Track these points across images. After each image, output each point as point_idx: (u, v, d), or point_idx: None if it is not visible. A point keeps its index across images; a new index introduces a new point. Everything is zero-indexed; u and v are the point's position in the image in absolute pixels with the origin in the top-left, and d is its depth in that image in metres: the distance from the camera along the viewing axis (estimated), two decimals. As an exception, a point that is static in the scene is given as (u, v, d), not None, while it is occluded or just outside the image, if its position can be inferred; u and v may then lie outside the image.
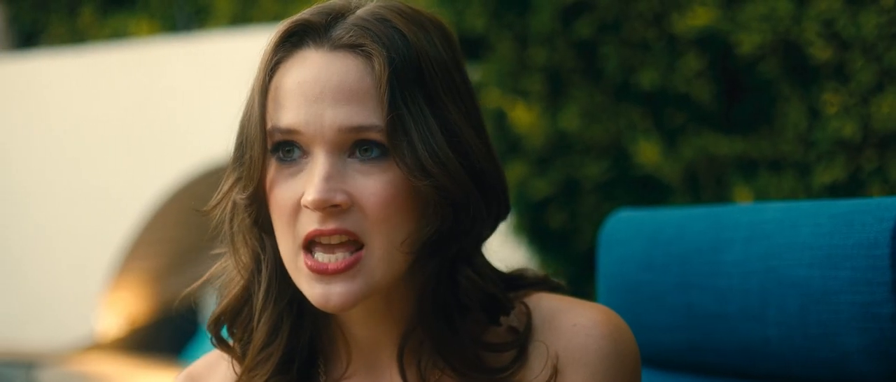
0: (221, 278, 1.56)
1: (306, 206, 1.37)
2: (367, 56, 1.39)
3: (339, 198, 1.37)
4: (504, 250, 5.10)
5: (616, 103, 4.55)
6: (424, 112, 1.39)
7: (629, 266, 1.88)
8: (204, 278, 1.58)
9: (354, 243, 1.39)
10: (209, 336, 1.57)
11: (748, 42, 4.01)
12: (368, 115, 1.38)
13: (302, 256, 1.41)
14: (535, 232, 5.04)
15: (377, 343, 1.51)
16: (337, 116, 1.38)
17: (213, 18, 9.73)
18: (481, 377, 1.46)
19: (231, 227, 1.52)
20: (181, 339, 8.89)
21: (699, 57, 4.22)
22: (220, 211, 1.52)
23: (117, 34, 10.27)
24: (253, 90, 1.46)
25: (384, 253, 1.39)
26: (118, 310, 9.04)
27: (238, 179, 1.47)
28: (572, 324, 1.46)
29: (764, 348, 1.69)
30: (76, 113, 8.96)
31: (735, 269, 1.71)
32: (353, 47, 1.40)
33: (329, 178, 1.37)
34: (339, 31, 1.42)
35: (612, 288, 1.92)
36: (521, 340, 1.47)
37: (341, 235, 1.38)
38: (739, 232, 1.73)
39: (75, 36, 10.75)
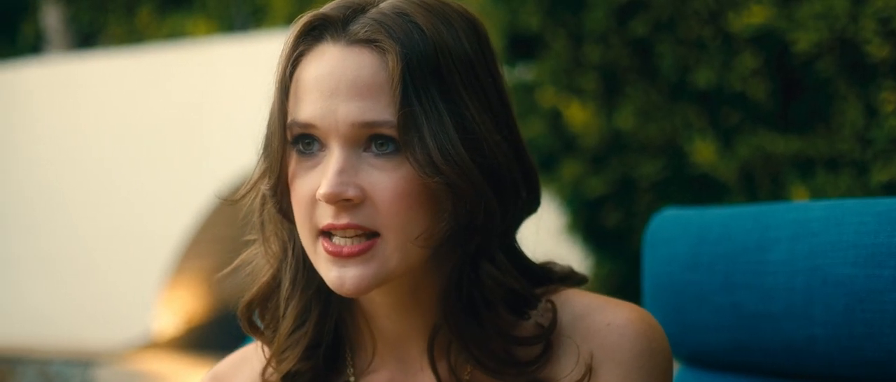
0: (252, 265, 1.58)
1: (319, 199, 1.38)
2: (382, 51, 1.39)
3: (352, 193, 1.38)
4: (559, 249, 5.10)
5: (671, 102, 4.54)
6: (438, 108, 1.39)
7: (675, 265, 1.87)
8: (234, 264, 1.61)
9: (369, 234, 1.40)
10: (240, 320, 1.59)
11: (805, 40, 3.98)
12: (381, 111, 1.38)
13: (320, 240, 1.42)
14: (589, 231, 5.03)
15: (405, 337, 1.52)
16: (350, 111, 1.38)
17: (270, 18, 9.78)
18: (510, 370, 1.46)
19: (261, 216, 1.54)
20: (237, 338, 8.93)
21: (755, 55, 4.20)
22: (249, 200, 1.54)
23: (175, 34, 10.34)
24: (275, 80, 1.47)
25: (399, 244, 1.40)
26: (175, 309, 9.09)
27: (264, 171, 1.49)
28: (606, 323, 1.46)
29: (809, 347, 1.68)
30: (134, 112, 9.03)
31: (780, 268, 1.70)
32: (368, 42, 1.40)
33: (342, 172, 1.38)
34: (356, 26, 1.42)
35: (658, 288, 1.91)
36: (547, 334, 1.47)
37: (355, 230, 1.39)
38: (785, 231, 1.71)
39: (133, 36, 10.83)
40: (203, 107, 8.63)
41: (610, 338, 1.45)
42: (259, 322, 1.59)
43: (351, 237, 1.40)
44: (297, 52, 1.45)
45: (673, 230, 1.91)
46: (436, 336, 1.48)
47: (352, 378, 1.57)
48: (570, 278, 1.56)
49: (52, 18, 11.47)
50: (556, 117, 4.92)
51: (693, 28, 4.38)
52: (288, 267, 1.54)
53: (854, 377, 1.67)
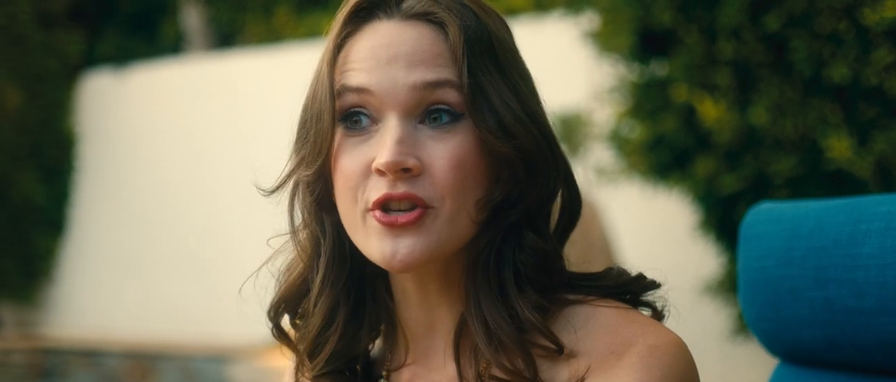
0: (282, 262, 1.60)
1: (378, 170, 1.39)
2: (440, 24, 1.42)
3: (411, 162, 1.39)
4: (693, 246, 5.07)
5: (806, 97, 4.48)
6: (497, 79, 1.41)
7: (769, 260, 1.83)
8: (262, 264, 1.63)
9: (423, 207, 1.40)
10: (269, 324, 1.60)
11: (941, 33, 3.91)
12: (443, 72, 1.40)
13: (370, 215, 1.41)
14: (723, 228, 4.99)
15: (432, 329, 1.52)
16: (410, 75, 1.40)
17: (407, 16, 9.83)
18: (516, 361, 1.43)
19: (292, 210, 1.56)
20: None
21: (891, 49, 4.13)
22: (281, 194, 1.56)
23: (312, 33, 10.45)
24: (320, 63, 1.49)
25: (451, 215, 1.40)
26: (309, 306, 9.18)
27: (302, 159, 1.51)
28: (611, 352, 1.41)
29: (900, 343, 1.63)
30: (271, 112, 9.15)
31: (872, 262, 1.65)
32: (424, 16, 1.43)
33: (402, 141, 1.39)
34: (410, 2, 1.44)
35: (752, 283, 1.88)
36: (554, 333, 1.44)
37: (411, 200, 1.39)
38: (876, 224, 1.66)
39: (271, 36, 10.97)
40: (341, 105, 8.71)
41: (609, 362, 1.40)
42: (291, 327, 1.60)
43: (406, 209, 1.40)
44: (346, 32, 1.47)
45: (767, 224, 1.88)
46: (463, 327, 1.47)
47: (384, 373, 1.58)
48: (623, 287, 1.52)
49: (192, 19, 11.67)
50: (689, 113, 4.89)
51: (827, 22, 4.31)
52: (319, 263, 1.54)
53: (947, 372, 1.63)
